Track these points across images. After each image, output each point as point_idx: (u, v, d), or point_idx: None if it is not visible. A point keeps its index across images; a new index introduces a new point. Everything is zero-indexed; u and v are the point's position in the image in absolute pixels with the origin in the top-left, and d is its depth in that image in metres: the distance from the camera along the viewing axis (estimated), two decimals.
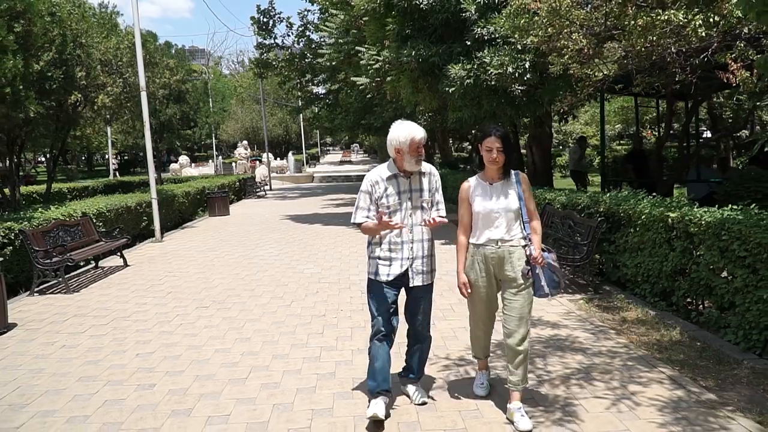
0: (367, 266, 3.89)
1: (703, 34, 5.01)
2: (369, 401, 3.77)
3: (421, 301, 3.87)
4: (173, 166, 35.38)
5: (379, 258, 3.78)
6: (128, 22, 18.54)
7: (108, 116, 14.08)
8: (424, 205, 3.77)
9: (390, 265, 3.75)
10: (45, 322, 6.38)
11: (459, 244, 3.82)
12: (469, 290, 3.76)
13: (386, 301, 3.77)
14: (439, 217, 3.74)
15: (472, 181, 3.83)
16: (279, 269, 8.79)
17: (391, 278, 3.75)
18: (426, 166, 3.80)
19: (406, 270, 3.76)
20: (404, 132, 3.65)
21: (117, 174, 27.79)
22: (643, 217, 6.04)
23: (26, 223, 8.21)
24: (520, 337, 3.65)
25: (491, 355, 4.35)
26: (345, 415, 3.85)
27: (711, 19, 4.94)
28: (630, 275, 6.46)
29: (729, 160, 10.20)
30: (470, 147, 21.61)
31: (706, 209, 5.28)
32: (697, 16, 4.98)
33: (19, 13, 8.86)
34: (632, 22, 5.48)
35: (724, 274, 5.01)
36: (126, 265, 9.49)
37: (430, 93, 10.84)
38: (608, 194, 7.38)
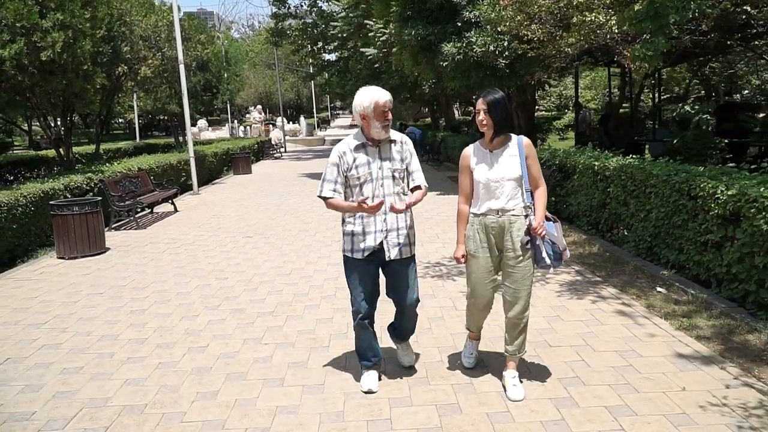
0: (342, 243, 3.74)
1: (616, 30, 6.88)
2: (361, 376, 3.82)
3: (401, 275, 3.70)
4: (193, 129, 37.34)
5: (353, 233, 3.63)
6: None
7: (147, 85, 16.06)
8: (396, 174, 3.61)
9: (364, 240, 3.59)
10: (130, 247, 8.49)
11: (459, 214, 3.68)
12: (464, 261, 3.66)
13: (365, 278, 3.66)
14: (415, 187, 3.67)
15: (472, 148, 3.64)
16: (302, 213, 10.85)
17: (366, 253, 3.60)
18: (396, 135, 3.65)
19: (381, 243, 3.60)
20: (368, 97, 3.50)
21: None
22: (580, 166, 8.00)
23: (100, 174, 10.29)
24: (520, 308, 3.58)
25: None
26: None
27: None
28: (574, 212, 8.45)
29: (687, 122, 12.00)
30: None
31: (615, 159, 7.24)
32: (612, 18, 6.84)
33: (87, 2, 10.77)
34: (573, 19, 7.36)
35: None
36: (176, 210, 11.59)
37: (428, 66, 12.71)
38: (562, 150, 9.32)
